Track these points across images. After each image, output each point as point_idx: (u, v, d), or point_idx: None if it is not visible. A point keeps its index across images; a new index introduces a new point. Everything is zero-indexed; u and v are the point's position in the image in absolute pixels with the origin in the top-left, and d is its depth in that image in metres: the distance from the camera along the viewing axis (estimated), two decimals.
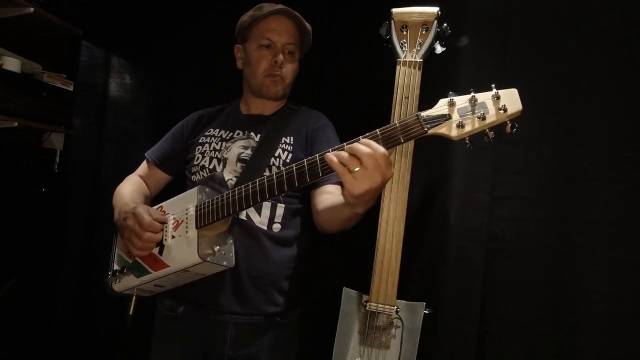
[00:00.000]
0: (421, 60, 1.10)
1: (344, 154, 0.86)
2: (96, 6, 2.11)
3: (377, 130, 0.88)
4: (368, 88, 1.51)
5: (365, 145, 0.85)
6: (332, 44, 1.68)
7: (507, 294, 1.26)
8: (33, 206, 2.05)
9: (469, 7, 1.35)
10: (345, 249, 1.49)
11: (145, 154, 1.44)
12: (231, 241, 1.17)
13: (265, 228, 1.22)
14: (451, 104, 0.85)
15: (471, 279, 1.29)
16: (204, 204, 1.11)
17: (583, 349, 1.15)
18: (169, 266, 1.11)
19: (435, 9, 1.11)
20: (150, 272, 1.14)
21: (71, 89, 2.11)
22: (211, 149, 1.31)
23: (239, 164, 1.26)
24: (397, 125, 0.86)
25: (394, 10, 1.15)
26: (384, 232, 1.10)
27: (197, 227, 1.10)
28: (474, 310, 1.28)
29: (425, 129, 0.85)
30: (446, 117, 0.85)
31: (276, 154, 1.26)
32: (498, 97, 0.83)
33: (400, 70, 1.10)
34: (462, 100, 0.85)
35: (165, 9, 1.98)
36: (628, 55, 1.16)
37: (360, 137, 0.89)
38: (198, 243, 1.07)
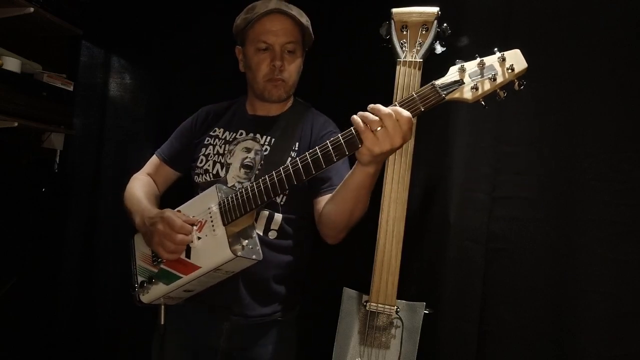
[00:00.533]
0: (421, 60, 1.10)
1: (368, 114, 0.89)
2: (96, 6, 2.11)
3: (396, 102, 0.90)
4: (368, 88, 1.50)
5: (389, 109, 0.88)
6: (332, 44, 1.68)
7: (507, 294, 1.26)
8: (33, 206, 2.05)
9: (469, 7, 1.35)
10: (345, 249, 1.49)
11: (156, 152, 1.43)
12: (255, 235, 1.16)
13: (261, 234, 1.22)
14: (462, 70, 0.90)
15: (471, 279, 1.29)
16: (227, 199, 1.10)
17: (583, 349, 1.15)
18: (200, 267, 1.10)
19: (435, 9, 1.11)
20: (181, 277, 1.12)
21: (71, 89, 2.10)
22: (215, 152, 1.30)
23: (242, 170, 1.25)
24: (415, 95, 0.89)
25: (394, 10, 1.15)
26: (384, 232, 1.10)
27: (224, 224, 1.09)
28: (474, 310, 1.28)
29: (443, 95, 0.89)
30: (460, 82, 0.90)
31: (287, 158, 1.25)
32: (504, 59, 0.89)
33: (400, 70, 1.10)
34: (471, 66, 0.90)
35: (165, 9, 1.98)
36: (628, 55, 1.16)
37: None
38: (228, 239, 1.07)
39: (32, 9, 1.83)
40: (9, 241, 1.94)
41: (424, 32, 1.12)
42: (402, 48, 1.13)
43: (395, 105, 0.89)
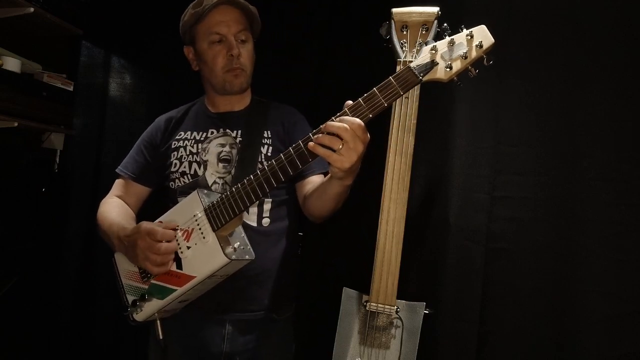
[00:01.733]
0: None
1: (323, 136, 0.90)
2: (96, 6, 2.10)
3: (374, 88, 0.92)
4: (368, 88, 1.50)
5: (339, 121, 0.89)
6: (331, 44, 1.68)
7: (507, 294, 1.26)
8: (33, 206, 2.05)
9: (469, 7, 1.35)
10: (345, 249, 1.49)
11: (117, 170, 1.37)
12: (243, 234, 1.15)
13: (255, 225, 1.22)
14: (434, 50, 0.91)
15: (471, 279, 1.29)
16: (213, 204, 1.09)
17: (583, 348, 1.15)
18: (195, 277, 1.08)
19: (435, 9, 1.11)
20: (175, 289, 1.10)
21: (71, 89, 2.10)
22: (187, 153, 1.28)
23: (220, 164, 1.25)
24: (392, 79, 0.91)
25: (394, 10, 1.15)
26: (384, 232, 1.10)
27: (214, 230, 1.08)
28: (474, 310, 1.28)
29: (420, 77, 0.90)
30: (434, 63, 0.91)
31: (261, 148, 1.25)
32: (472, 36, 0.90)
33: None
34: (442, 45, 0.92)
35: (166, 9, 1.98)
36: (628, 55, 1.16)
37: (346, 107, 0.93)
38: (220, 244, 1.06)
39: (32, 9, 1.83)
40: (9, 241, 1.94)
41: (424, 32, 1.11)
42: (402, 48, 1.13)
43: (375, 93, 0.91)
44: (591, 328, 1.15)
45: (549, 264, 1.23)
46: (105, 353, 2.01)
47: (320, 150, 0.91)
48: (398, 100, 1.09)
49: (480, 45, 0.89)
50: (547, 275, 1.23)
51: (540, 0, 1.27)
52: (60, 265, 2.09)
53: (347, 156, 0.90)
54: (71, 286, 2.07)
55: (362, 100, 0.92)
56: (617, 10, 1.18)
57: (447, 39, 0.91)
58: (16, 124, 1.83)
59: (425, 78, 0.91)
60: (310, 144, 0.92)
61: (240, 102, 1.35)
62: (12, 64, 1.89)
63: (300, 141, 0.96)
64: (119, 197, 1.36)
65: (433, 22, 1.11)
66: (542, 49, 1.25)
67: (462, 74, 0.92)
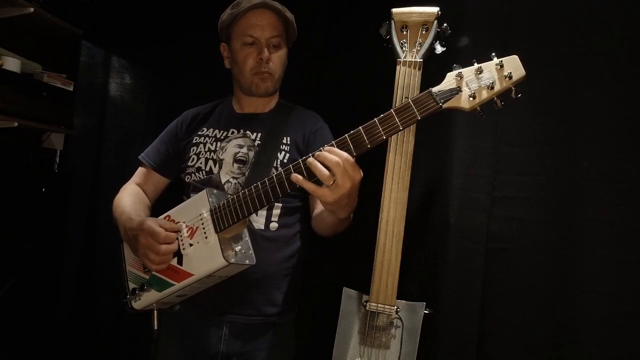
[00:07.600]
0: (421, 60, 1.09)
1: (315, 166, 0.90)
2: (96, 6, 2.11)
3: (392, 110, 0.90)
4: (368, 88, 1.51)
5: (329, 153, 0.89)
6: (332, 45, 1.68)
7: (507, 294, 1.26)
8: (33, 206, 2.05)
9: (469, 7, 1.35)
10: (345, 249, 1.49)
11: (140, 157, 1.41)
12: (247, 238, 1.16)
13: (262, 228, 1.23)
14: (459, 77, 0.87)
15: (471, 279, 1.29)
16: (220, 206, 1.09)
17: (583, 348, 1.15)
18: (193, 275, 1.09)
19: (435, 9, 1.11)
20: (173, 284, 1.12)
21: (71, 89, 2.10)
22: (206, 149, 1.30)
23: (235, 165, 1.26)
24: (411, 103, 0.88)
25: (394, 10, 1.15)
26: (384, 232, 1.10)
27: (216, 231, 1.08)
28: (474, 310, 1.28)
29: (440, 104, 0.87)
30: (457, 90, 0.87)
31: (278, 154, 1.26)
32: (502, 65, 0.85)
33: (400, 70, 1.10)
34: (469, 72, 0.87)
35: (166, 9, 1.98)
36: (628, 55, 1.16)
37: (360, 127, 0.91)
38: (220, 246, 1.06)
39: (32, 9, 1.83)
40: (9, 241, 1.94)
41: (424, 32, 1.11)
42: (402, 48, 1.12)
43: (392, 115, 0.89)
44: (591, 328, 1.15)
45: (549, 264, 1.23)
46: (105, 353, 2.01)
47: (307, 185, 0.92)
48: (398, 100, 1.09)
49: (509, 77, 0.84)
50: (547, 275, 1.23)
51: (540, 0, 1.27)
52: (60, 265, 2.09)
53: (332, 191, 0.90)
54: (71, 286, 2.07)
55: (378, 120, 0.90)
56: (617, 10, 1.18)
57: (475, 66, 0.87)
58: (16, 124, 1.83)
59: (446, 105, 0.87)
60: (293, 176, 0.92)
61: (266, 105, 1.36)
62: (12, 64, 1.89)
63: (300, 160, 0.96)
64: (138, 184, 1.40)
65: (433, 22, 1.11)
66: (542, 48, 1.25)
67: (486, 104, 0.88)
